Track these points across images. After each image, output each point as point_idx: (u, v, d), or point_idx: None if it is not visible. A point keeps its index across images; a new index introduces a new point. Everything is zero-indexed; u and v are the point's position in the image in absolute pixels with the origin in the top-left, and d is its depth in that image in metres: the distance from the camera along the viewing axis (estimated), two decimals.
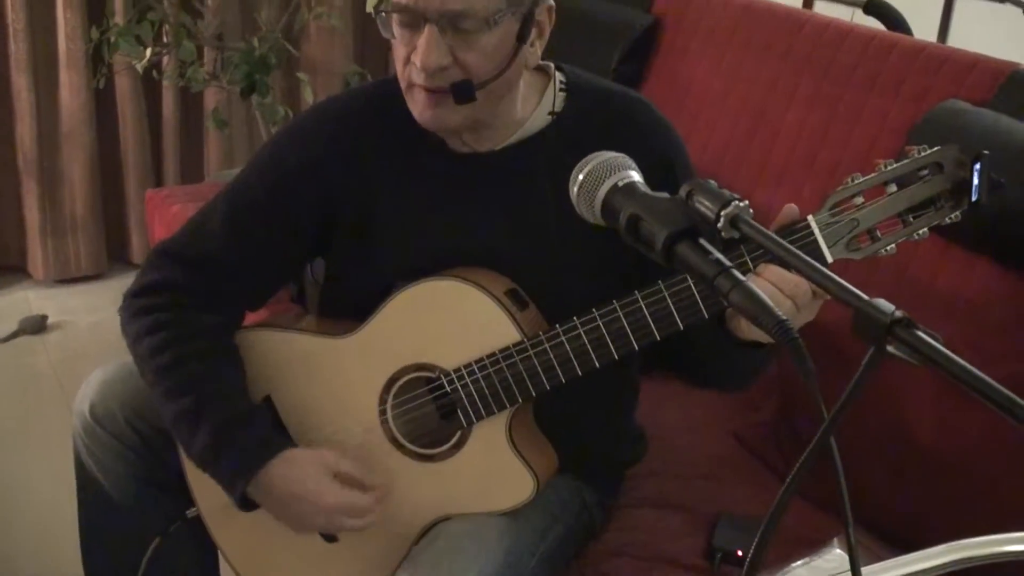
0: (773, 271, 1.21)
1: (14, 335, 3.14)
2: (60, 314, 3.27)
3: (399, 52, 1.35)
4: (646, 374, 1.60)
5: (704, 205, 0.91)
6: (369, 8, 2.81)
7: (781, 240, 0.86)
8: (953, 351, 0.73)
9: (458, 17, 1.28)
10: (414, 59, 1.32)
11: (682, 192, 0.94)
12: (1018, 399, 0.68)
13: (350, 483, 1.42)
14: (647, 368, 1.58)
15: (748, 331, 1.27)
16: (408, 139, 1.43)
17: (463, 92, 1.33)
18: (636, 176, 1.02)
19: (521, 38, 1.34)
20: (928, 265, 1.70)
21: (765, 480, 1.80)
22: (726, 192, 0.91)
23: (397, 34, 1.34)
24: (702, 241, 0.90)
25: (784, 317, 0.78)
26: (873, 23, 2.67)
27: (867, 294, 0.77)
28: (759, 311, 0.81)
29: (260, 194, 1.47)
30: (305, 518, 1.41)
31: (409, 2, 1.29)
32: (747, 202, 0.91)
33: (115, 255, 3.59)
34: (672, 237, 0.91)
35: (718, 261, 0.87)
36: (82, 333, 3.20)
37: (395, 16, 1.32)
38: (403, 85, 1.37)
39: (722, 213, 0.89)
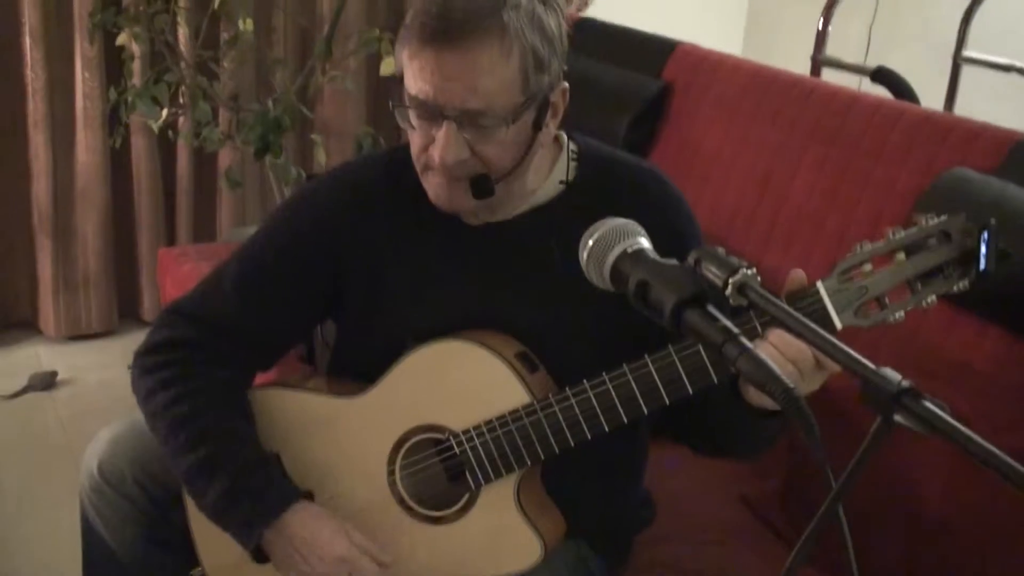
0: (778, 335, 1.21)
1: (23, 391, 3.14)
2: (70, 371, 3.28)
3: (416, 140, 1.35)
4: (655, 439, 1.60)
5: (712, 272, 0.92)
6: (384, 72, 2.85)
7: (789, 309, 0.87)
8: (961, 420, 0.73)
9: (477, 115, 1.29)
10: (432, 152, 1.32)
11: (690, 259, 0.95)
12: None
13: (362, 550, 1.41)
14: (656, 433, 1.58)
15: (759, 398, 1.27)
16: (420, 208, 1.43)
17: (482, 189, 1.34)
18: (645, 242, 1.03)
19: (538, 125, 1.35)
20: (937, 332, 1.70)
21: (774, 547, 1.78)
22: (734, 259, 0.92)
23: (415, 125, 1.34)
24: (710, 308, 0.91)
25: (791, 385, 0.79)
26: (880, 91, 2.70)
27: (875, 361, 0.77)
28: (766, 378, 0.81)
29: (272, 256, 1.49)
30: (309, 564, 1.39)
31: (428, 98, 1.29)
32: (755, 269, 0.92)
33: (126, 313, 3.60)
34: (680, 304, 0.91)
35: (726, 328, 0.87)
36: (91, 390, 3.20)
37: (413, 109, 1.33)
38: (418, 168, 1.38)
39: (730, 280, 0.90)
